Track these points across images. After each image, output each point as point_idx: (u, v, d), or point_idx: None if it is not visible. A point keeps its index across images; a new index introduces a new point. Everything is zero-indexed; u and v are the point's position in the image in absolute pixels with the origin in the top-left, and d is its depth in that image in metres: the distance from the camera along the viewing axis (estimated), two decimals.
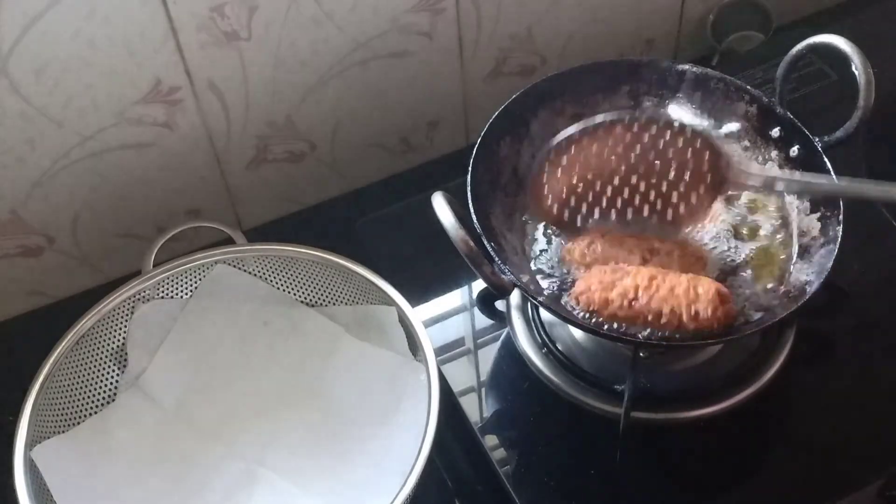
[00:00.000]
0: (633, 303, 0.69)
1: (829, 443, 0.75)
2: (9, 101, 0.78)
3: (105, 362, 0.79)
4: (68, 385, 0.76)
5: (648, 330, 0.69)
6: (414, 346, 0.77)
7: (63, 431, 0.75)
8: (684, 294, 0.68)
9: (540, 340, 0.79)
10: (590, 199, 0.73)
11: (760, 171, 0.73)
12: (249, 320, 0.82)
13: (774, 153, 0.79)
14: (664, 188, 0.72)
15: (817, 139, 0.76)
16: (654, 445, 0.76)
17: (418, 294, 0.82)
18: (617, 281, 0.70)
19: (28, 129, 0.81)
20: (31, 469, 0.70)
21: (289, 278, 0.83)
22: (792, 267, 0.74)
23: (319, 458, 0.76)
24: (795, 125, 0.77)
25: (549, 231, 0.77)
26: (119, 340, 0.80)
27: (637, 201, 0.72)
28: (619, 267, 0.71)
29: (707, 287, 0.68)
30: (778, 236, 0.77)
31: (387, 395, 0.77)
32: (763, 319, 0.70)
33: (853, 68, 0.74)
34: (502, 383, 0.81)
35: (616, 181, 0.72)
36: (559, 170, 0.73)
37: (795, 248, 0.75)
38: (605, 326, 0.70)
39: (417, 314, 0.76)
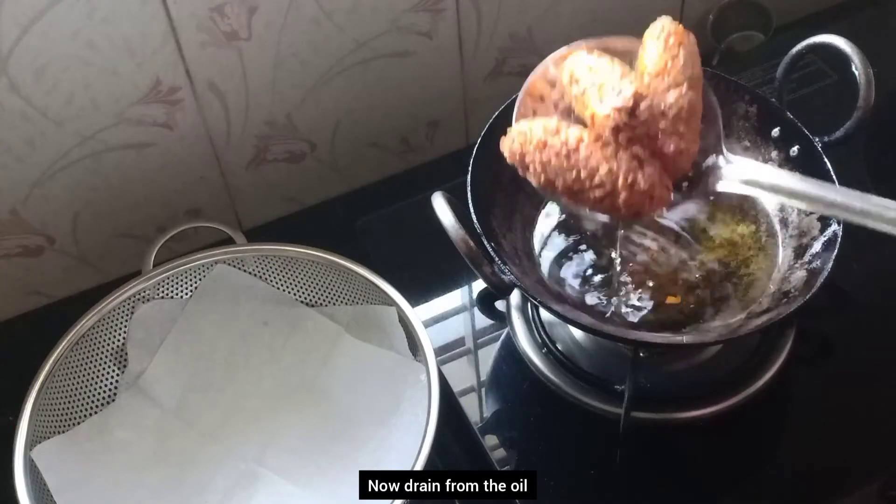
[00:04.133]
0: (571, 153, 0.64)
1: (829, 443, 0.75)
2: (9, 101, 0.78)
3: (105, 362, 0.79)
4: (68, 385, 0.76)
5: (576, 187, 0.64)
6: (414, 346, 0.77)
7: (63, 431, 0.75)
8: (627, 160, 0.63)
9: (540, 340, 0.79)
10: None
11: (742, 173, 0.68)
12: (249, 320, 0.82)
13: (774, 153, 0.79)
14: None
15: (817, 139, 0.76)
16: (654, 445, 0.76)
17: (418, 294, 0.82)
18: (563, 129, 0.65)
19: (28, 129, 0.81)
20: (31, 469, 0.70)
21: (289, 278, 0.83)
22: (791, 267, 0.74)
23: (319, 458, 0.76)
24: (795, 125, 0.77)
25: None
26: (119, 340, 0.80)
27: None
28: (572, 123, 0.66)
29: (654, 167, 0.64)
30: (778, 236, 0.77)
31: (387, 395, 0.77)
32: (763, 319, 0.70)
33: (853, 68, 0.74)
34: (502, 383, 0.81)
35: None
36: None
37: (795, 248, 0.75)
38: (530, 169, 0.65)
39: (417, 314, 0.76)
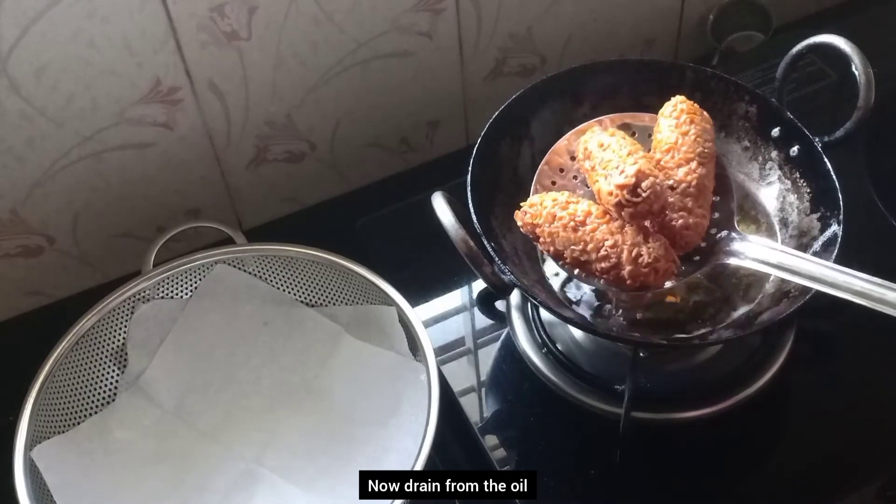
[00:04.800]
0: (579, 226, 0.67)
1: (828, 443, 0.75)
2: (9, 101, 0.78)
3: (105, 362, 0.79)
4: (68, 385, 0.76)
5: (583, 259, 0.67)
6: (414, 346, 0.76)
7: (63, 431, 0.75)
8: (633, 234, 0.66)
9: (540, 340, 0.79)
10: None
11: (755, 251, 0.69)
12: (249, 320, 0.82)
13: (774, 153, 0.79)
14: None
15: (817, 139, 0.76)
16: (654, 445, 0.76)
17: (418, 294, 0.82)
18: (572, 204, 0.68)
19: (28, 129, 0.81)
20: (31, 469, 0.70)
21: (289, 278, 0.83)
22: None
23: (319, 458, 0.76)
24: (795, 125, 0.77)
25: None
26: (119, 340, 0.80)
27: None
28: (579, 196, 0.70)
29: (660, 241, 0.66)
30: (778, 236, 0.77)
31: (387, 396, 0.77)
32: (763, 319, 0.70)
33: (853, 68, 0.74)
34: (502, 383, 0.81)
35: None
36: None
37: (795, 248, 0.75)
38: (541, 240, 0.68)
39: (417, 314, 0.76)
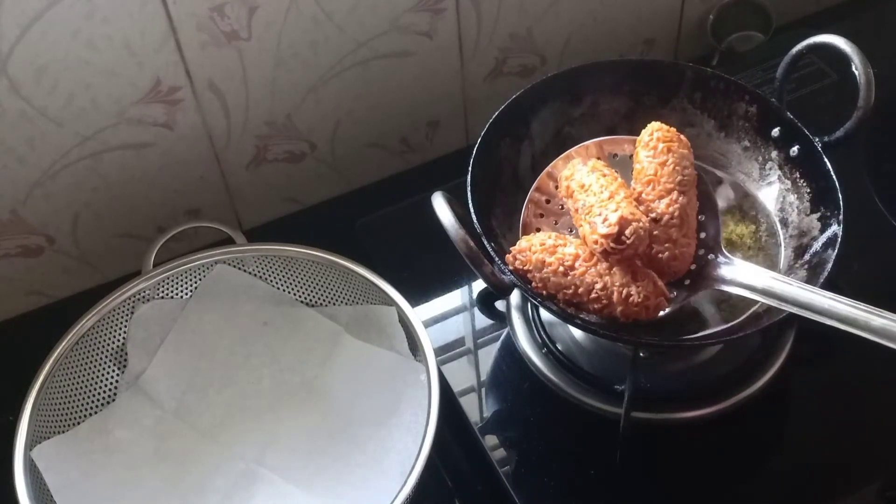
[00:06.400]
0: (568, 271, 0.68)
1: (828, 443, 0.75)
2: (9, 101, 0.78)
3: (105, 362, 0.79)
4: (68, 385, 0.76)
5: (575, 301, 0.68)
6: (414, 346, 0.77)
7: (63, 431, 0.75)
8: (621, 274, 0.67)
9: (540, 340, 0.79)
10: None
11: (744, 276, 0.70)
12: (249, 320, 0.82)
13: (774, 153, 0.79)
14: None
15: (817, 139, 0.76)
16: (654, 445, 0.76)
17: (418, 294, 0.82)
18: (559, 248, 0.69)
19: (28, 129, 0.81)
20: (31, 469, 0.70)
21: (289, 278, 0.83)
22: (792, 267, 0.74)
23: (319, 458, 0.76)
24: (795, 125, 0.77)
25: None
26: (119, 340, 0.80)
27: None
28: (566, 236, 0.71)
29: (648, 277, 0.68)
30: (778, 236, 0.77)
31: (387, 395, 0.77)
32: (763, 320, 0.70)
33: (853, 68, 0.74)
34: (502, 383, 0.81)
35: None
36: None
37: (795, 248, 0.75)
38: (532, 284, 0.69)
39: (417, 314, 0.76)
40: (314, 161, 0.98)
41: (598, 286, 0.67)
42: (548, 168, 0.76)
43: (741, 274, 0.69)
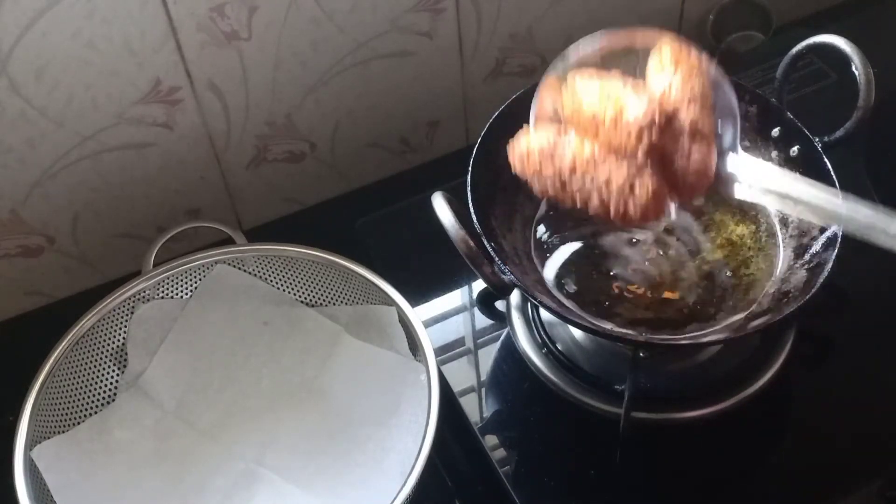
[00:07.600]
0: (564, 185, 0.65)
1: (828, 443, 0.75)
2: (9, 101, 0.78)
3: (105, 362, 0.79)
4: (68, 385, 0.76)
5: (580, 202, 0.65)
6: (414, 346, 0.77)
7: (63, 431, 0.75)
8: (618, 191, 0.64)
9: (540, 340, 0.79)
10: None
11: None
12: (249, 320, 0.82)
13: (774, 153, 0.79)
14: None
15: (817, 139, 0.76)
16: (654, 445, 0.76)
17: (418, 294, 0.82)
18: (557, 154, 0.65)
19: (28, 130, 0.81)
20: (31, 469, 0.70)
21: (289, 278, 0.83)
22: (791, 267, 0.74)
23: (319, 458, 0.76)
24: (795, 125, 0.77)
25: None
26: (119, 340, 0.80)
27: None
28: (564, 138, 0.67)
29: (646, 187, 0.64)
30: (778, 236, 0.77)
31: (387, 395, 0.77)
32: (763, 320, 0.70)
33: (853, 68, 0.74)
34: (502, 383, 0.81)
35: None
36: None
37: (795, 248, 0.75)
38: (534, 189, 0.67)
39: (417, 314, 0.76)
40: (314, 161, 0.98)
41: (594, 200, 0.64)
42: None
43: (759, 177, 0.66)
